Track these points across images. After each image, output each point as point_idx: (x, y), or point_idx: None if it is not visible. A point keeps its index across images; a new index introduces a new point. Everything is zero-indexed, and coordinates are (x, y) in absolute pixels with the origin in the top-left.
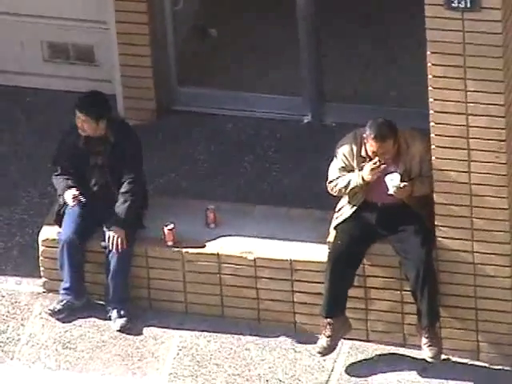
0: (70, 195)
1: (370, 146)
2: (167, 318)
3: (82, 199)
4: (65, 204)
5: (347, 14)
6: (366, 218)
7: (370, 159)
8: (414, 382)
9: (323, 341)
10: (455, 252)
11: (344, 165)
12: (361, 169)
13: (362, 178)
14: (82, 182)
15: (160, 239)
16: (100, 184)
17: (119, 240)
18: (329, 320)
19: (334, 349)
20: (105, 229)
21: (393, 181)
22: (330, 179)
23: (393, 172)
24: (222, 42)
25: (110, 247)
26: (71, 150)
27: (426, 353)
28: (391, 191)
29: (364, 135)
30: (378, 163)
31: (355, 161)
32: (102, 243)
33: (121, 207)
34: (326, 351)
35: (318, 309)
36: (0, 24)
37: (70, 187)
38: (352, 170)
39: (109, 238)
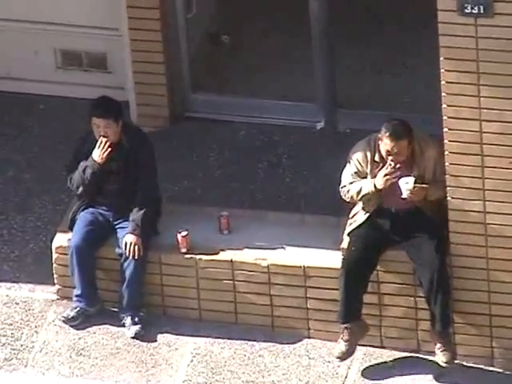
0: (96, 151)
1: (385, 144)
2: (181, 324)
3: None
4: (80, 207)
5: (360, 20)
6: (379, 224)
7: (384, 164)
8: None
9: (341, 345)
10: (469, 258)
11: (357, 170)
12: (374, 175)
13: (374, 186)
14: (96, 190)
15: (174, 246)
16: (114, 191)
17: (136, 247)
18: (346, 325)
19: (353, 353)
20: (120, 236)
21: (407, 184)
22: (342, 184)
23: (407, 176)
24: (235, 49)
25: (127, 254)
26: (85, 158)
27: (440, 358)
28: (405, 195)
29: (379, 135)
30: (390, 169)
31: (369, 166)
32: (117, 250)
33: (137, 214)
34: (345, 356)
35: (331, 315)
36: (13, 31)
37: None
38: (365, 176)
39: (125, 245)
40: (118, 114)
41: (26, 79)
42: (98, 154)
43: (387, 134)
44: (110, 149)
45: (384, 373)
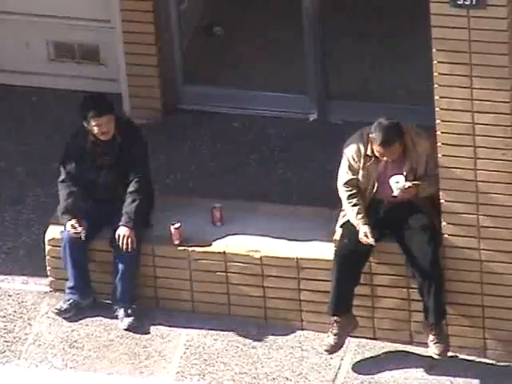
0: (69, 225)
1: (377, 150)
2: (174, 316)
3: (81, 233)
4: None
5: (353, 11)
6: (372, 216)
7: (376, 157)
8: (420, 379)
9: (330, 339)
10: (462, 249)
11: (350, 165)
12: (367, 170)
13: (359, 230)
14: (88, 183)
15: (167, 238)
16: (107, 183)
17: (129, 240)
18: (335, 318)
19: (341, 347)
20: (113, 228)
21: (398, 183)
22: (340, 182)
23: (397, 174)
24: (228, 41)
25: (120, 247)
26: (78, 153)
27: (432, 350)
28: (396, 193)
29: (370, 135)
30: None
31: (362, 160)
32: (111, 243)
33: (129, 207)
34: (333, 349)
35: (324, 307)
36: (6, 24)
37: (68, 213)
38: (358, 171)
39: (118, 237)
40: (112, 107)
41: (18, 71)
42: (70, 231)
43: (378, 141)
44: (82, 233)
45: (376, 364)
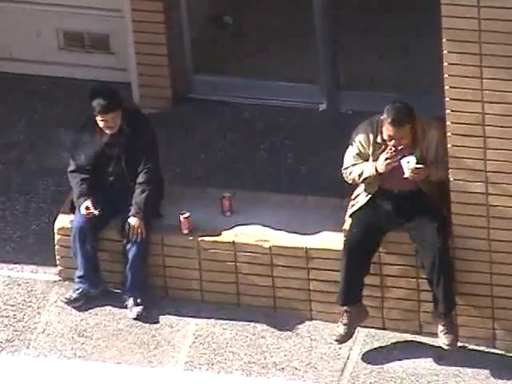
0: (83, 207)
1: (387, 130)
2: (183, 306)
3: (96, 212)
4: (78, 196)
5: (364, 2)
6: (381, 206)
7: (386, 146)
8: (430, 369)
9: (340, 328)
10: (471, 239)
11: (359, 152)
12: (376, 158)
13: (376, 169)
14: (98, 174)
15: (176, 227)
16: (116, 174)
17: (139, 230)
18: (345, 308)
19: (351, 336)
20: (122, 218)
21: (409, 163)
22: (345, 166)
23: (409, 155)
24: (238, 30)
25: (130, 236)
26: (88, 144)
27: (442, 340)
28: (407, 174)
29: (381, 117)
30: (391, 153)
31: (371, 148)
32: (121, 233)
33: (139, 197)
34: (343, 339)
35: (333, 297)
36: (16, 13)
37: (84, 195)
38: (367, 158)
39: (128, 227)
40: (120, 102)
41: (28, 60)
42: (84, 213)
43: (389, 120)
44: (97, 212)
45: (386, 354)
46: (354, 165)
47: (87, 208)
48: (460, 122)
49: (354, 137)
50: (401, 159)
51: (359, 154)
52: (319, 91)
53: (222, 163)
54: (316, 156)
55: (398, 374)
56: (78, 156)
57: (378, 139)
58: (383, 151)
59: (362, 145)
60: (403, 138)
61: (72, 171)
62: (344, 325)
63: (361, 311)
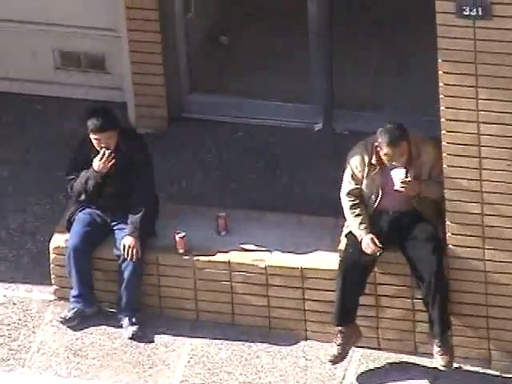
0: (96, 161)
1: (386, 153)
2: (178, 325)
3: (110, 161)
4: (77, 208)
5: (358, 22)
6: (377, 226)
7: (381, 166)
8: None
9: (334, 349)
10: (466, 260)
11: (354, 174)
12: (371, 179)
13: (361, 239)
14: (97, 194)
15: (171, 247)
16: (111, 193)
17: (134, 250)
18: (340, 328)
19: (345, 357)
20: (118, 237)
21: (398, 175)
22: (343, 192)
23: (398, 167)
24: (234, 50)
25: (125, 256)
26: (84, 163)
27: (437, 361)
28: (397, 186)
29: (376, 143)
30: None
31: (366, 169)
32: (115, 252)
33: (134, 217)
34: (337, 359)
35: (329, 317)
36: (12, 32)
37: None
38: (362, 180)
39: (123, 247)
40: (116, 122)
41: (24, 80)
42: (100, 165)
43: (386, 142)
44: (113, 160)
45: (381, 375)
46: (351, 206)
47: (101, 158)
48: (456, 142)
49: (350, 160)
50: (391, 170)
51: (353, 177)
52: (315, 111)
53: (218, 183)
54: (311, 176)
55: None
56: (75, 174)
57: (373, 160)
58: (378, 172)
59: (356, 168)
60: (403, 155)
61: (70, 179)
62: (338, 345)
63: (354, 331)
